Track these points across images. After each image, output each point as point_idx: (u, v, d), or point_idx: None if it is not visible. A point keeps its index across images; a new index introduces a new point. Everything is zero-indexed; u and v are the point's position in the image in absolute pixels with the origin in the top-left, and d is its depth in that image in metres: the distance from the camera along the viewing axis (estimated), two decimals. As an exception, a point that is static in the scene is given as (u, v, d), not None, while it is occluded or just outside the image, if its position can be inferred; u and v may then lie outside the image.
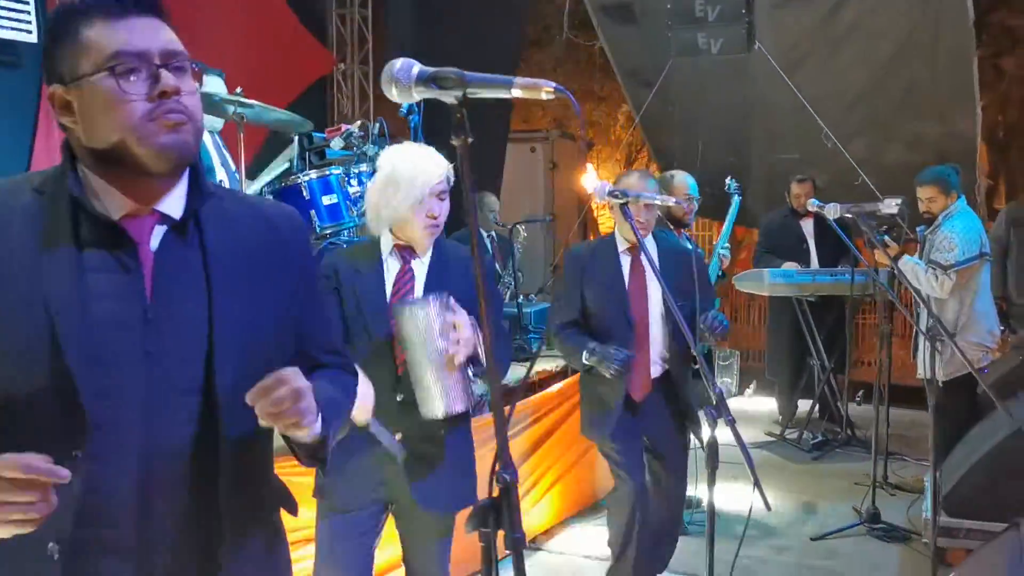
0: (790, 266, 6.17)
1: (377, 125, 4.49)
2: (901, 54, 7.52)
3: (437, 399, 2.43)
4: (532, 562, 4.36)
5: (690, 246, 4.81)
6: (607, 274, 3.51)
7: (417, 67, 1.25)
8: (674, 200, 3.03)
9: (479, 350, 2.49)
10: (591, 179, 5.71)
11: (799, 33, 7.76)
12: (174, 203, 1.49)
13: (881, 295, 5.27)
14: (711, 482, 2.55)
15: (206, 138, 4.69)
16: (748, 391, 8.23)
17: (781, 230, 6.57)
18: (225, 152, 4.79)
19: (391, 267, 2.60)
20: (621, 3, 8.62)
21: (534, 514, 4.57)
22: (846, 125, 7.80)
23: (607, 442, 3.57)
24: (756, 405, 7.84)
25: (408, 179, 2.49)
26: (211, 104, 4.11)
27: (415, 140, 4.90)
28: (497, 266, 6.27)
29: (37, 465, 1.24)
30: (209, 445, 1.47)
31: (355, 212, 4.24)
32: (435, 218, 2.52)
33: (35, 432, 1.34)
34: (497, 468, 1.26)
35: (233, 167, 4.55)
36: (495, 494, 1.25)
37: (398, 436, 2.51)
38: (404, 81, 1.24)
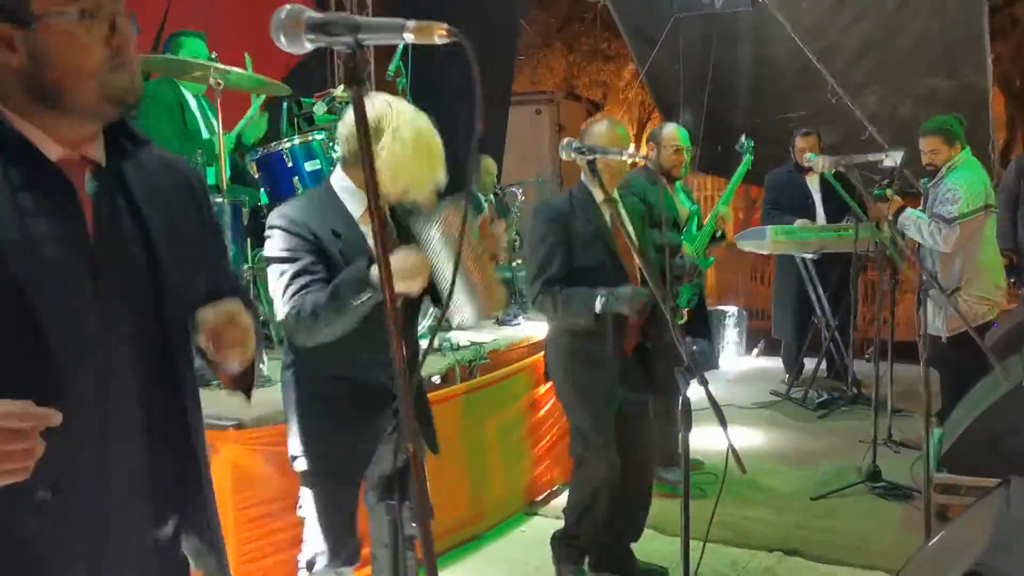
0: (801, 224, 6.04)
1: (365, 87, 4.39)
2: (908, 4, 7.32)
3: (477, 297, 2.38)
4: (528, 526, 4.34)
5: (686, 200, 4.75)
6: (593, 226, 3.34)
7: (307, 13, 1.18)
8: (642, 156, 2.90)
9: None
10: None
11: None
12: (98, 148, 1.48)
13: (879, 251, 5.15)
14: (684, 443, 2.46)
15: (191, 100, 4.62)
16: (755, 350, 8.16)
17: (786, 186, 6.42)
18: (211, 115, 4.72)
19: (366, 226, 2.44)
20: (622, -42, 8.44)
21: (531, 478, 4.54)
22: (854, 80, 7.62)
23: (597, 408, 3.41)
24: (763, 364, 7.78)
25: (427, 147, 2.38)
26: (187, 69, 4.04)
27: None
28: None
29: (32, 411, 1.23)
30: (158, 387, 1.51)
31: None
32: None
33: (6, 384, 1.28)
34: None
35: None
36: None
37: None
38: (293, 29, 1.17)
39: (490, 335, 4.47)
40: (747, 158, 5.06)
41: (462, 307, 2.45)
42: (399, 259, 2.21)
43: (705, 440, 4.15)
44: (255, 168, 4.19)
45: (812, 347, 6.58)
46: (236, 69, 3.95)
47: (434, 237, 2.37)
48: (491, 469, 4.27)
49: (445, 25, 1.14)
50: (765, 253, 6.55)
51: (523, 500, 4.52)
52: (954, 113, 5.19)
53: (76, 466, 1.40)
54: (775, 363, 7.29)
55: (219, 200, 3.96)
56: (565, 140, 2.67)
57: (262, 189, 4.20)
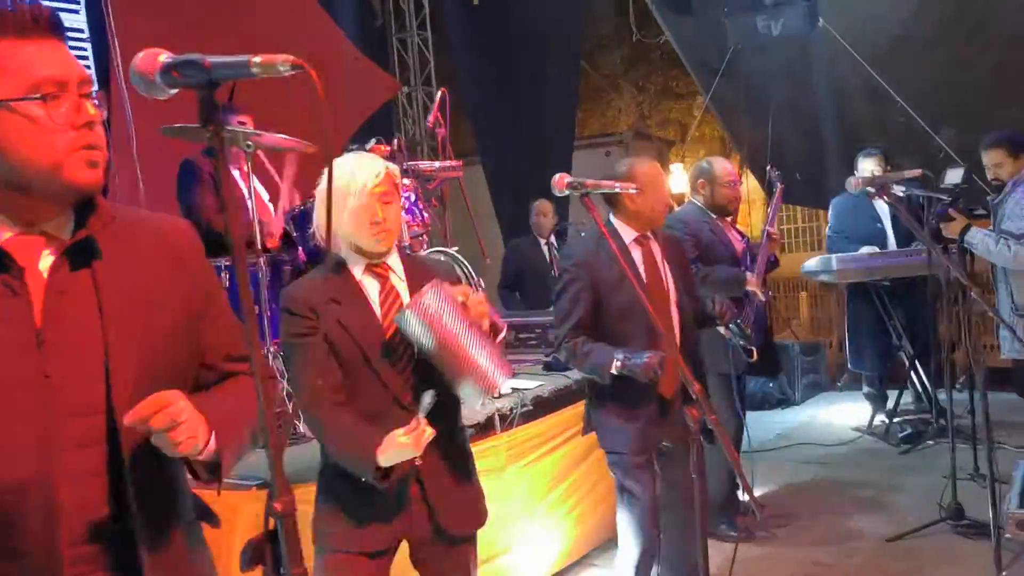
0: (866, 250, 5.78)
1: (396, 140, 4.42)
2: (980, 34, 6.93)
3: (489, 375, 2.26)
4: (583, 578, 4.19)
5: (739, 237, 4.59)
6: (619, 268, 3.08)
7: (164, 56, 1.15)
8: (633, 187, 2.76)
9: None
10: (676, 179, 5.39)
11: (866, 12, 7.28)
12: (62, 224, 1.46)
13: (943, 272, 4.86)
14: (700, 480, 2.32)
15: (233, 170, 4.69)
16: (840, 384, 7.81)
17: (852, 211, 6.15)
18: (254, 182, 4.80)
19: (370, 289, 2.41)
20: (677, -7, 8.35)
21: (584, 530, 4.39)
22: (930, 114, 7.24)
23: (628, 452, 3.27)
24: (847, 399, 7.42)
25: (344, 186, 2.33)
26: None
27: (440, 155, 4.84)
28: (555, 272, 6.15)
29: None
30: (114, 466, 1.45)
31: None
32: (379, 223, 2.34)
33: None
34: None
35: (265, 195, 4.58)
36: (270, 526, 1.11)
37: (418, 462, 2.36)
38: (148, 75, 1.15)
39: (534, 381, 4.37)
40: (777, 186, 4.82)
41: (469, 400, 2.39)
42: (395, 445, 2.21)
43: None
44: (292, 225, 4.23)
45: (897, 378, 6.26)
46: (265, 133, 4.01)
47: (423, 335, 2.28)
48: (538, 522, 4.14)
49: (290, 56, 1.10)
50: (832, 282, 6.29)
51: (576, 553, 4.36)
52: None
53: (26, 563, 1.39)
54: (860, 397, 6.96)
55: (256, 261, 4.02)
56: (557, 176, 2.57)
57: (299, 247, 4.23)
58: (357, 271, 2.42)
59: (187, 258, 1.61)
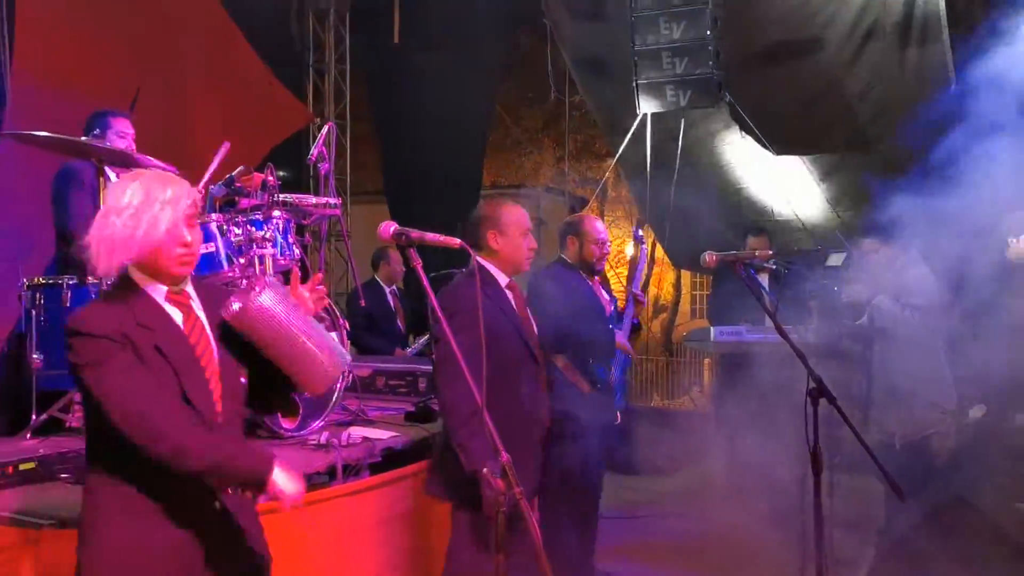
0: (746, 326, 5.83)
1: (268, 170, 4.26)
2: (883, 115, 7.08)
3: (333, 354, 2.36)
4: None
5: (606, 295, 4.56)
6: (500, 307, 3.31)
7: None
8: (458, 243, 2.62)
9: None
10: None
11: (768, 90, 7.40)
12: None
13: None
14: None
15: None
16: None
17: (737, 284, 6.20)
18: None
19: (174, 315, 2.25)
20: (594, 57, 8.39)
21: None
22: (829, 192, 7.38)
23: None
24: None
25: (157, 203, 2.17)
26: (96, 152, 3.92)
27: (321, 191, 4.72)
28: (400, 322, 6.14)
29: None
30: None
31: (235, 261, 4.03)
32: (188, 246, 2.22)
33: None
34: None
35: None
36: None
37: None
38: None
39: (388, 432, 4.22)
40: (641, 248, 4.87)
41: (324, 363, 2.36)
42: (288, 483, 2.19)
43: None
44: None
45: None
46: (150, 160, 3.86)
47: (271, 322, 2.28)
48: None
49: None
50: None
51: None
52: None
53: None
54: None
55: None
56: (383, 224, 2.47)
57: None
58: (158, 297, 2.25)
59: None
